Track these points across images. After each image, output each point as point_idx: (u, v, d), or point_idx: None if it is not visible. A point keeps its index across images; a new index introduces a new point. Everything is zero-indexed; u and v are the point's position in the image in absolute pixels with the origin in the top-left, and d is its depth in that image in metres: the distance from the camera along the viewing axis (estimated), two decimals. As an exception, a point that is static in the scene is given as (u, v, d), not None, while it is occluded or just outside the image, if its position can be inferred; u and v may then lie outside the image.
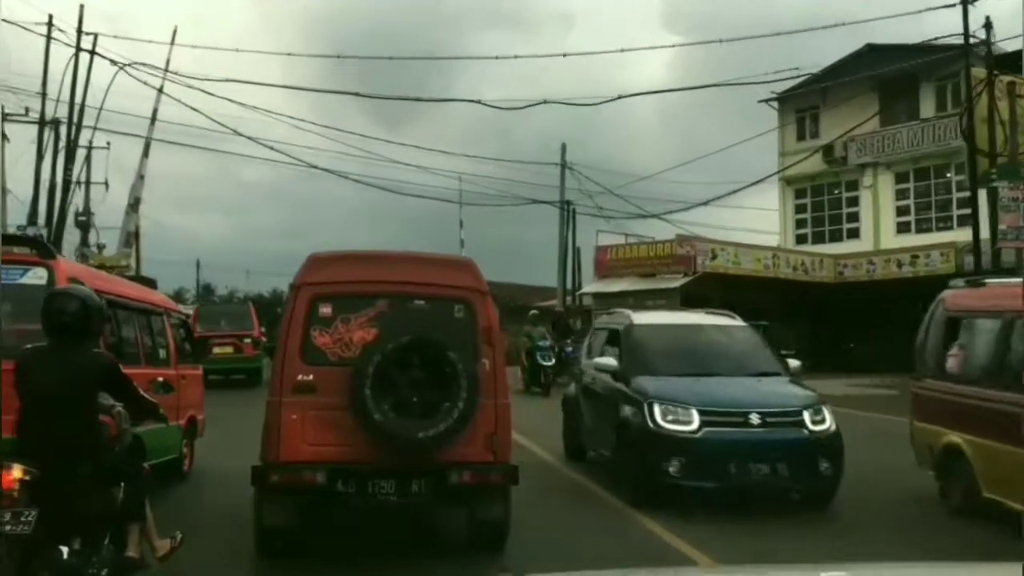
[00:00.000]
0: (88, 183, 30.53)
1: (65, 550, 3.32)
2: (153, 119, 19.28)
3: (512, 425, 4.86)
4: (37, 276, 5.37)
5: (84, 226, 29.46)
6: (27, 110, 20.19)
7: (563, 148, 30.45)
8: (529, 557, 4.78)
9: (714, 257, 23.95)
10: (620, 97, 15.73)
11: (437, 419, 4.63)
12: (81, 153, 31.53)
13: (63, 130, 18.21)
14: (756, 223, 52.26)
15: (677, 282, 23.18)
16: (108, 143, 30.10)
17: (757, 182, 25.69)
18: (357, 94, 15.81)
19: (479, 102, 14.32)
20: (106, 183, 29.74)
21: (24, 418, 3.55)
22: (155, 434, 5.97)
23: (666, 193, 47.98)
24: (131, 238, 20.72)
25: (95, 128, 15.92)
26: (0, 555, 3.10)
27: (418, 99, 13.83)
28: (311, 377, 4.73)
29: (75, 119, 16.07)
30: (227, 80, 15.68)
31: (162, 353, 7.22)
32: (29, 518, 3.17)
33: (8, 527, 3.12)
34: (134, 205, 19.93)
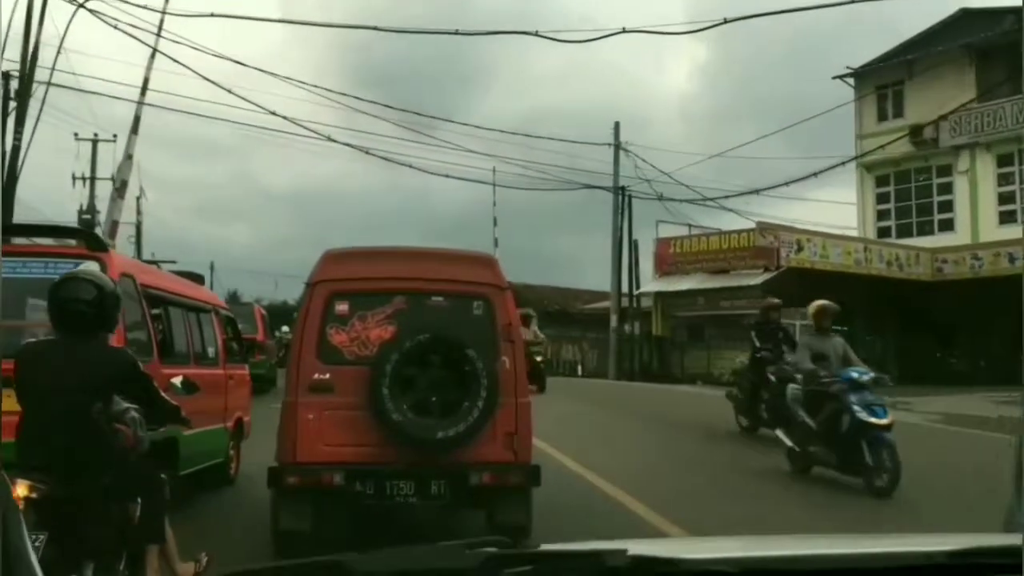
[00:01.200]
0: (93, 179, 29.86)
1: None
2: (144, 89, 17.56)
3: None
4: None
5: (89, 225, 27.65)
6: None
7: (616, 127, 28.11)
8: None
9: (800, 249, 22.56)
10: (726, 21, 14.15)
11: (456, 419, 4.93)
12: (86, 146, 30.08)
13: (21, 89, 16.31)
14: (815, 216, 51.50)
15: (757, 278, 21.92)
16: (115, 135, 28.66)
17: (833, 167, 23.97)
18: (376, 28, 14.78)
19: (535, 34, 14.02)
20: (113, 179, 31.89)
21: (27, 424, 3.46)
22: (201, 437, 6.42)
23: (718, 185, 47.93)
24: (116, 229, 19.03)
25: (50, 84, 15.46)
26: None
27: (456, 32, 13.39)
28: (328, 376, 5.06)
29: (26, 70, 14.34)
30: (223, 16, 14.81)
31: (211, 351, 7.58)
32: (37, 543, 3.04)
33: None
34: (120, 190, 18.64)
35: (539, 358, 17.70)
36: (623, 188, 27.96)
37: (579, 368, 29.43)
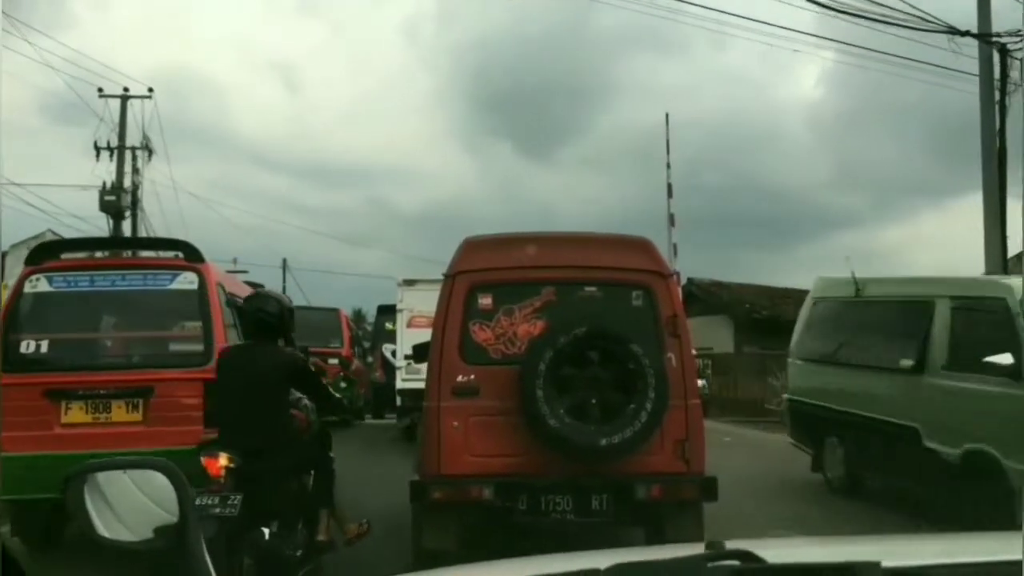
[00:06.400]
0: (121, 148, 26.54)
1: (266, 531, 4.99)
2: None
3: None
4: (188, 281, 7.04)
5: (114, 209, 26.00)
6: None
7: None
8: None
9: None
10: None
11: (621, 423, 5.41)
12: (110, 105, 26.25)
13: None
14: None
15: None
16: (150, 89, 26.43)
17: None
18: None
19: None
20: (146, 147, 26.70)
21: (224, 410, 5.29)
22: None
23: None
24: None
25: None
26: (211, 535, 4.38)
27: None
28: (472, 377, 5.67)
29: None
30: None
31: None
32: (235, 502, 4.75)
33: (217, 510, 4.69)
34: None
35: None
36: (997, 39, 15.59)
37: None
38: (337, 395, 5.74)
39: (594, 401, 5.61)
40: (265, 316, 5.52)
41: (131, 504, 2.20)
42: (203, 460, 5.03)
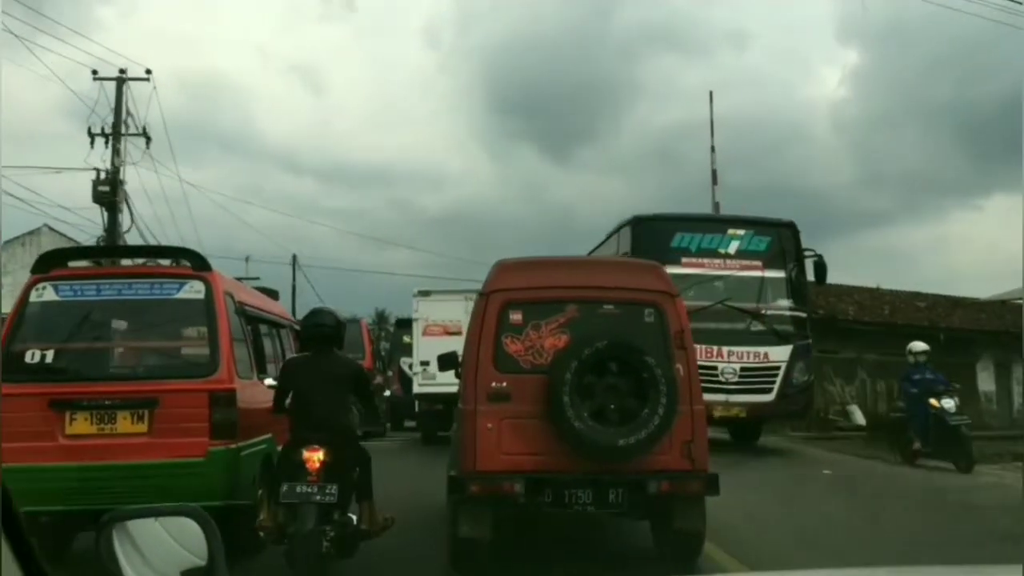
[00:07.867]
0: (116, 134, 25.32)
1: (355, 517, 6.16)
2: None
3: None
4: (194, 290, 7.17)
5: (107, 200, 24.78)
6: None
7: None
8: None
9: None
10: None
11: (636, 426, 6.29)
12: (107, 88, 24.98)
13: None
14: None
15: None
16: (149, 71, 25.53)
17: None
18: None
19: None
20: (145, 133, 25.81)
21: (300, 411, 6.24)
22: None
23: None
24: None
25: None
26: (306, 518, 5.77)
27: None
28: (504, 385, 6.56)
29: None
30: None
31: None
32: (332, 491, 5.89)
33: (317, 497, 5.86)
34: None
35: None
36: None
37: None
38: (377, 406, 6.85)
39: (612, 406, 6.52)
40: (324, 329, 6.63)
41: (159, 548, 2.22)
42: (304, 453, 6.10)
